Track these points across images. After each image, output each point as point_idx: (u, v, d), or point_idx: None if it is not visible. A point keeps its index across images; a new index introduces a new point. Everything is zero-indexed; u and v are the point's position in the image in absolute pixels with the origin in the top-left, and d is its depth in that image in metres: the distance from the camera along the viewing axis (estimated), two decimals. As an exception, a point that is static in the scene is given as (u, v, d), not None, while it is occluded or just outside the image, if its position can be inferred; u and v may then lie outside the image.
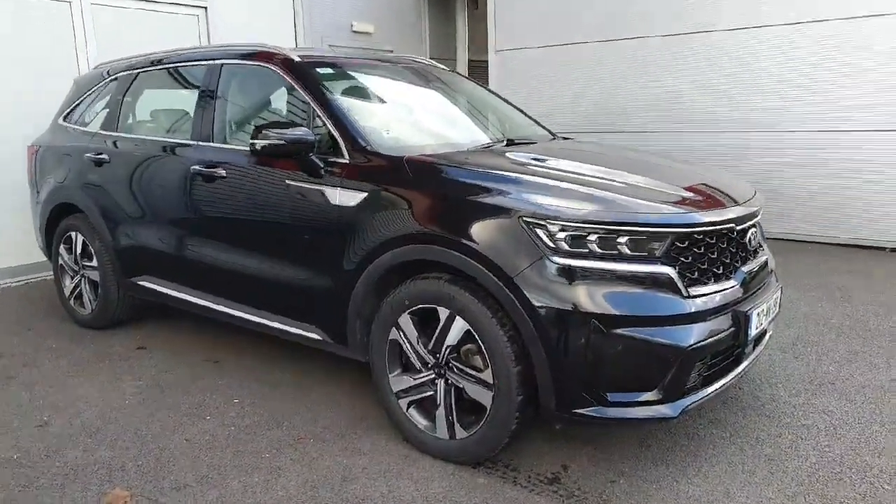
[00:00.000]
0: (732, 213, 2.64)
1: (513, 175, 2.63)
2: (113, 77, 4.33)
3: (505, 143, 3.36)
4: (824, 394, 3.27)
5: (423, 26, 10.31)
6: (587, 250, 2.35)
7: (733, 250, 2.65)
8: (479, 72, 10.14)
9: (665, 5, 7.45)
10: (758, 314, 2.65)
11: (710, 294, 2.48)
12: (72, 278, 4.47)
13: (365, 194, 2.80)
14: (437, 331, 2.61)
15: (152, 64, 4.09)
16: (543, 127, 4.12)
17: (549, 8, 8.46)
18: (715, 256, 2.56)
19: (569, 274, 2.33)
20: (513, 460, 2.70)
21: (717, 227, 2.55)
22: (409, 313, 2.69)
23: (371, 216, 2.77)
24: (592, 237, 2.35)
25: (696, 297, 2.42)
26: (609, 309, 2.31)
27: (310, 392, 3.35)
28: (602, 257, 2.35)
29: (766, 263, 2.89)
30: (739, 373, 2.71)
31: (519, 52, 8.90)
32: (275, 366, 3.68)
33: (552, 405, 2.40)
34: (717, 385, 2.57)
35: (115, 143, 4.07)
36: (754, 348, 2.88)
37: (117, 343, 4.11)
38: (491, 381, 2.48)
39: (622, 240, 2.36)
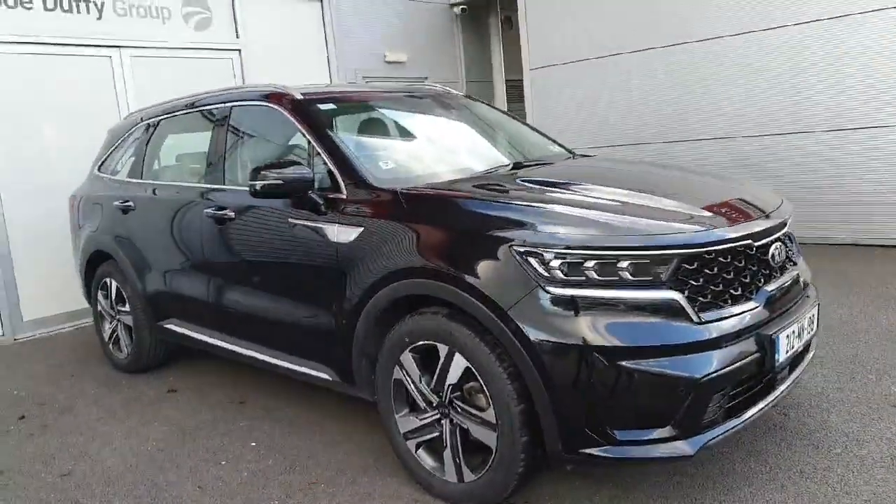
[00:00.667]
0: (749, 228, 2.43)
1: (505, 202, 2.52)
2: (138, 124, 4.46)
3: (511, 166, 3.24)
4: (884, 418, 2.97)
5: (458, 51, 10.31)
6: (585, 278, 2.20)
7: (753, 268, 2.44)
8: (517, 92, 10.05)
9: (698, 9, 7.18)
10: (787, 336, 2.42)
11: (727, 318, 2.27)
12: (109, 323, 4.58)
13: (361, 229, 2.74)
14: (438, 368, 2.50)
15: (171, 110, 4.19)
16: (561, 146, 3.98)
17: (580, 23, 8.35)
18: (731, 276, 2.35)
19: (566, 304, 2.19)
20: (527, 501, 2.54)
21: (731, 244, 2.35)
22: (410, 351, 2.59)
23: (368, 251, 2.70)
24: (590, 263, 2.20)
25: (709, 322, 2.22)
26: (611, 340, 2.14)
27: (326, 431, 3.29)
28: (602, 285, 2.19)
29: (796, 279, 2.65)
30: (773, 401, 2.48)
31: (553, 70, 8.79)
32: (295, 404, 3.63)
33: (558, 446, 2.24)
34: (744, 416, 2.35)
35: (138, 191, 4.17)
36: (791, 371, 2.64)
37: (149, 387, 4.17)
38: (494, 421, 2.35)
39: (623, 265, 2.20)
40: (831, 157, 6.50)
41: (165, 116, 4.23)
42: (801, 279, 2.71)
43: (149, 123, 4.35)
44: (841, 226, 6.50)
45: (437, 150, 3.53)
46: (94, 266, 4.60)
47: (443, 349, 2.47)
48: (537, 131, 4.12)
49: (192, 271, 3.72)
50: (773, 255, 2.51)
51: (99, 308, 4.66)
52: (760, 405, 2.42)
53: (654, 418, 2.18)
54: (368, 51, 8.98)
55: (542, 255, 2.22)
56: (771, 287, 2.46)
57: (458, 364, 2.42)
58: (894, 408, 3.06)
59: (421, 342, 2.54)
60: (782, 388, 2.55)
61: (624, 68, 7.92)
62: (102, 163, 4.77)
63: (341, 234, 2.80)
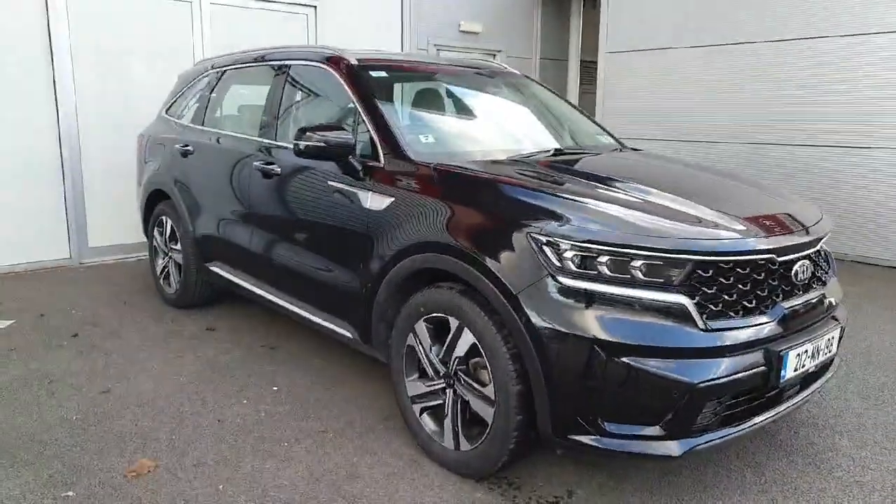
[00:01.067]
0: (773, 243, 2.40)
1: (531, 189, 2.56)
2: (205, 73, 4.66)
3: (553, 152, 3.26)
4: (870, 444, 2.93)
5: (535, 26, 10.17)
6: (597, 272, 2.24)
7: (774, 283, 2.42)
8: (590, 74, 9.89)
9: (798, 7, 6.87)
10: (797, 355, 2.41)
11: (735, 329, 2.28)
12: (162, 259, 4.87)
13: (392, 199, 2.84)
14: (448, 341, 2.60)
15: (236, 61, 4.36)
16: (612, 136, 3.96)
17: (660, 11, 8.12)
18: (747, 288, 2.35)
19: (574, 295, 2.24)
20: (519, 478, 2.64)
21: (751, 256, 2.34)
22: (424, 321, 2.70)
23: (395, 222, 2.80)
24: (603, 259, 2.24)
25: (715, 330, 2.24)
26: (613, 335, 2.19)
27: (346, 386, 3.45)
28: (613, 281, 2.23)
29: (820, 299, 2.61)
30: (775, 416, 2.48)
31: (628, 56, 8.61)
32: (322, 356, 3.82)
33: (549, 429, 2.32)
34: (741, 427, 2.36)
35: (198, 136, 4.38)
36: (802, 390, 2.63)
37: (191, 323, 4.43)
38: (493, 398, 2.44)
39: (636, 263, 2.23)
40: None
41: (230, 67, 4.41)
42: (827, 300, 2.67)
43: (215, 72, 4.54)
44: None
45: (481, 128, 3.58)
46: (153, 203, 4.87)
47: (453, 323, 2.56)
48: (591, 119, 4.10)
49: (237, 219, 3.91)
50: (796, 273, 2.48)
51: (154, 244, 4.95)
52: (761, 418, 2.43)
53: (645, 415, 2.23)
54: (443, 19, 8.97)
55: (558, 245, 2.27)
56: (788, 304, 2.44)
57: (466, 339, 2.52)
58: (913, 440, 3.00)
59: (434, 314, 2.64)
60: (788, 404, 2.54)
61: (702, 61, 7.69)
62: (170, 106, 5.01)
63: (374, 201, 2.91)
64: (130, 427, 3.00)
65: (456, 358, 2.58)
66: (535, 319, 2.27)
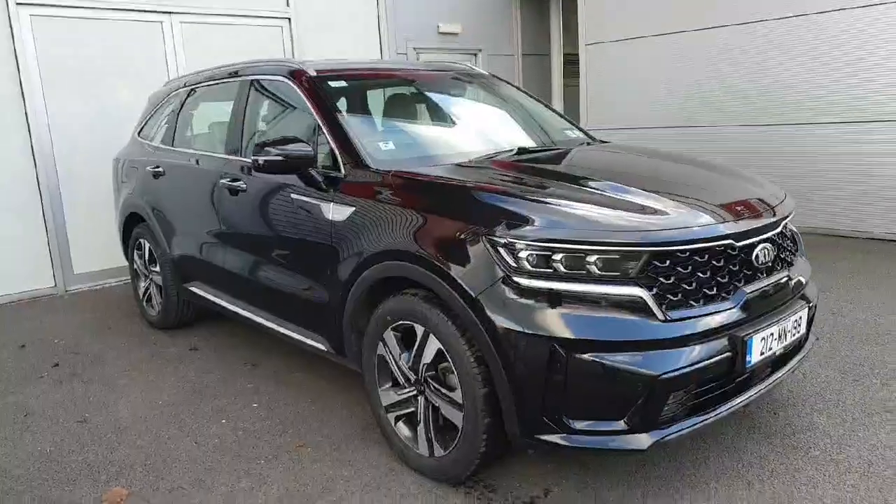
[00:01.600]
0: (731, 228, 2.39)
1: (485, 191, 2.55)
2: (173, 93, 4.66)
3: (516, 151, 3.25)
4: (874, 425, 2.91)
5: (515, 23, 10.13)
6: (553, 270, 2.23)
7: (735, 268, 2.41)
8: (574, 67, 9.86)
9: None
10: (763, 339, 2.39)
11: (696, 318, 2.27)
12: (143, 282, 4.87)
13: (353, 209, 2.83)
14: (415, 348, 2.59)
15: (202, 80, 4.35)
16: (583, 131, 3.93)
17: (638, -1, 8.11)
18: (707, 276, 2.34)
19: (531, 294, 2.22)
20: (495, 481, 2.62)
21: (708, 244, 2.33)
22: (392, 329, 2.69)
23: (357, 231, 2.79)
24: (558, 256, 2.23)
25: (675, 320, 2.22)
26: (572, 332, 2.18)
27: (325, 399, 3.44)
28: (569, 278, 2.22)
29: (785, 281, 2.60)
30: (745, 401, 2.47)
31: (609, 46, 8.60)
32: (304, 371, 3.81)
33: (516, 430, 2.31)
34: (710, 415, 2.35)
35: (167, 157, 4.37)
36: (773, 373, 2.61)
37: (174, 344, 4.43)
38: (461, 402, 2.43)
39: (591, 259, 2.22)
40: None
41: (196, 85, 4.40)
42: (793, 280, 2.66)
43: (182, 91, 4.54)
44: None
45: (443, 132, 3.57)
46: (131, 227, 4.87)
47: (419, 330, 2.55)
48: (561, 115, 4.08)
49: (211, 238, 3.90)
50: (757, 257, 2.47)
51: (135, 266, 4.94)
52: (731, 404, 2.42)
53: (610, 411, 2.22)
54: (422, 21, 8.91)
55: (513, 245, 2.26)
56: (751, 288, 2.43)
57: (433, 345, 2.51)
58: (889, 413, 2.99)
59: (401, 322, 2.63)
60: (759, 388, 2.53)
61: (681, 48, 7.70)
62: (142, 128, 5.01)
63: (336, 212, 2.90)
64: (105, 455, 2.99)
65: (424, 364, 2.57)
66: (495, 321, 2.26)
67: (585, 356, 2.17)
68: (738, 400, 2.44)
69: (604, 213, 2.34)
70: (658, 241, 2.25)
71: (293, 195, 3.14)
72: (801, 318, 2.62)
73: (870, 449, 2.71)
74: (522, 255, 2.25)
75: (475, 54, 9.45)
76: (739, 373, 2.36)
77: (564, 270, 2.22)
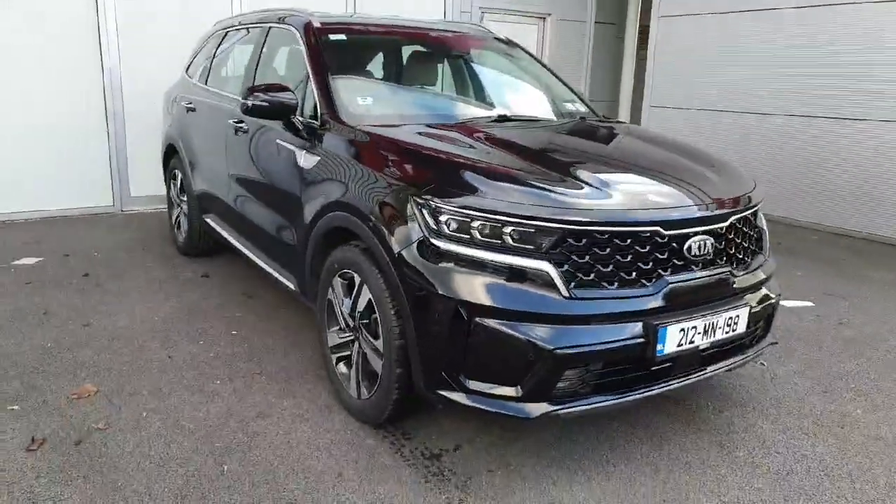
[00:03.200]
0: (660, 216, 2.37)
1: (423, 154, 2.62)
2: (213, 34, 4.91)
3: (495, 118, 3.27)
4: (818, 437, 2.83)
5: (590, -15, 9.83)
6: (469, 237, 2.30)
7: (661, 256, 2.39)
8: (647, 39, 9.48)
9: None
10: (682, 330, 2.38)
11: (605, 299, 2.29)
12: (175, 209, 5.24)
13: (318, 158, 2.97)
14: (353, 296, 2.74)
15: (235, 24, 4.56)
16: (587, 105, 3.88)
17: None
18: (627, 260, 2.34)
19: (446, 257, 2.31)
20: (415, 429, 2.76)
21: (631, 228, 2.32)
22: (339, 276, 2.84)
23: (319, 180, 2.94)
24: (476, 224, 2.29)
25: (581, 299, 2.25)
26: (476, 297, 2.25)
27: (299, 335, 3.66)
28: (483, 245, 2.28)
29: (723, 278, 2.53)
30: (659, 390, 2.46)
31: (684, 20, 8.20)
32: (292, 307, 4.04)
33: (421, 383, 2.42)
34: (615, 398, 2.37)
35: (199, 95, 4.64)
36: (702, 367, 2.59)
37: (191, 269, 4.78)
38: (382, 351, 2.57)
39: (507, 230, 2.27)
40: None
41: (230, 28, 4.63)
42: (738, 278, 2.59)
43: (220, 33, 4.78)
44: None
45: (430, 93, 3.63)
46: (170, 157, 5.23)
47: (357, 279, 2.69)
48: (570, 88, 4.02)
49: (220, 173, 4.16)
50: (689, 248, 2.43)
51: (170, 195, 5.32)
52: (642, 392, 2.43)
53: (504, 376, 2.29)
54: (490, -20, 8.84)
55: (436, 208, 2.34)
56: (676, 278, 2.40)
57: (365, 295, 2.65)
58: (841, 429, 2.89)
59: (345, 270, 2.78)
60: (682, 380, 2.52)
61: (760, 27, 7.24)
62: (189, 66, 5.30)
63: (305, 160, 3.05)
64: (92, 356, 3.34)
65: (358, 312, 2.71)
66: (410, 277, 2.36)
67: (486, 321, 2.24)
68: (653, 388, 2.45)
69: (528, 188, 2.37)
70: (573, 219, 2.27)
71: (277, 140, 3.31)
72: (737, 317, 2.56)
73: (798, 459, 2.66)
74: (443, 218, 2.33)
75: (543, 18, 9.26)
76: (650, 360, 2.37)
77: (481, 238, 2.29)
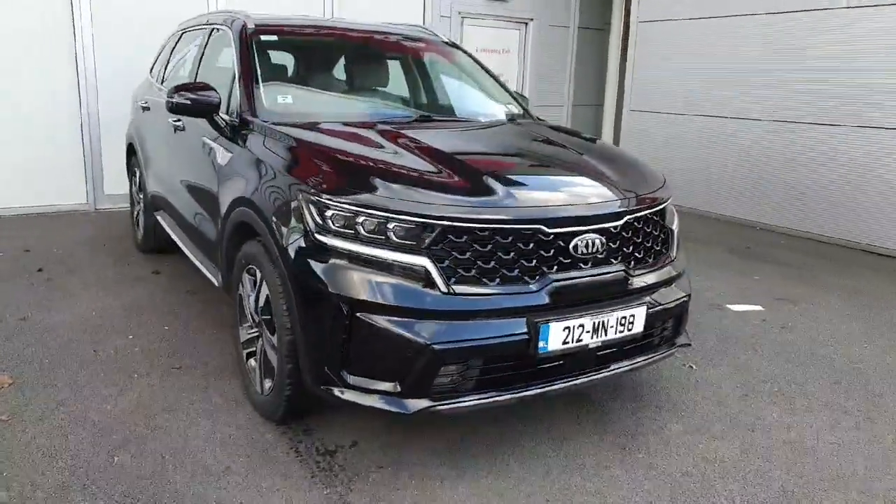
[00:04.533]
0: (543, 213, 2.37)
1: (317, 151, 2.64)
2: (173, 35, 4.97)
3: (416, 118, 3.29)
4: (724, 440, 2.81)
5: (574, -8, 9.81)
6: (353, 232, 2.31)
7: (546, 254, 2.38)
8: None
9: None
10: (567, 328, 2.37)
11: (484, 296, 2.29)
12: (135, 206, 5.29)
13: (231, 155, 3.00)
14: (256, 291, 2.75)
15: (188, 26, 4.62)
16: (522, 106, 3.87)
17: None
18: (510, 257, 2.34)
19: (330, 253, 2.32)
20: (318, 425, 2.77)
21: (512, 226, 2.32)
22: (246, 272, 2.86)
23: (231, 176, 2.97)
24: (360, 220, 2.30)
25: (459, 294, 2.26)
26: (356, 293, 2.26)
27: (229, 331, 3.67)
28: (367, 242, 2.29)
29: (616, 277, 2.52)
30: (549, 389, 2.46)
31: (663, 25, 8.18)
32: (228, 303, 4.05)
33: (308, 378, 2.43)
34: (499, 394, 2.37)
35: (153, 94, 4.70)
36: (599, 366, 2.58)
37: (143, 266, 4.82)
38: (276, 346, 2.58)
39: (390, 227, 2.28)
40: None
41: (186, 30, 4.68)
42: (633, 277, 2.57)
43: (177, 33, 4.84)
44: None
45: (354, 93, 3.65)
46: (130, 155, 5.29)
47: (258, 275, 2.71)
48: (507, 90, 4.01)
49: (164, 170, 4.21)
50: (576, 246, 2.42)
51: (131, 192, 5.38)
52: (530, 389, 2.42)
53: (383, 372, 2.29)
54: (469, -15, 8.85)
55: (322, 204, 2.35)
56: (561, 276, 2.39)
57: (265, 291, 2.66)
58: (751, 432, 2.87)
59: (250, 265, 2.80)
60: (576, 380, 2.51)
61: (733, 32, 7.20)
62: (153, 65, 5.37)
63: (221, 156, 3.09)
64: (18, 349, 3.38)
65: (260, 308, 2.73)
66: (296, 272, 2.38)
67: (365, 317, 2.25)
68: (543, 386, 2.44)
69: (413, 185, 2.39)
70: (452, 216, 2.27)
71: (203, 137, 3.35)
72: (633, 316, 2.54)
73: (697, 462, 2.63)
74: (329, 214, 2.34)
75: (525, 23, 9.26)
76: (533, 358, 2.36)
77: (365, 234, 2.30)
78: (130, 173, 5.32)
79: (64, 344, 3.47)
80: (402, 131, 3.02)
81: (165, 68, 4.80)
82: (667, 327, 2.80)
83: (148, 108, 4.69)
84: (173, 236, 4.21)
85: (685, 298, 2.83)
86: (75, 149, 6.64)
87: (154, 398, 2.96)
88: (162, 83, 4.75)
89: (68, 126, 6.56)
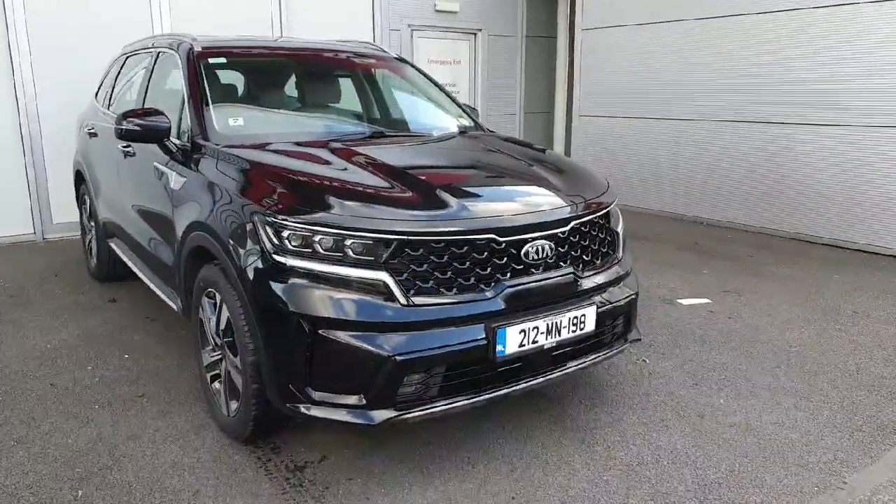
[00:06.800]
0: (494, 223, 2.47)
1: (270, 172, 2.70)
2: (118, 58, 4.93)
3: (368, 135, 3.36)
4: (675, 428, 2.96)
5: (520, 2, 10.03)
6: (311, 251, 2.36)
7: (499, 262, 2.48)
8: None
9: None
10: (522, 331, 2.47)
11: (443, 305, 2.37)
12: (87, 235, 5.21)
13: (185, 179, 3.02)
14: (216, 314, 2.78)
15: (133, 49, 4.59)
16: (473, 119, 3.98)
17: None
18: (465, 267, 2.43)
19: (289, 272, 2.37)
20: (285, 443, 2.80)
21: (466, 237, 2.41)
22: (206, 295, 2.88)
23: (185, 200, 2.99)
24: (317, 238, 2.36)
25: (418, 305, 2.34)
26: (317, 310, 2.32)
27: (193, 357, 3.67)
28: (325, 259, 2.35)
29: (566, 280, 2.63)
30: (511, 391, 2.56)
31: (606, 32, 8.45)
32: (188, 327, 4.04)
33: (274, 397, 2.48)
34: (463, 400, 2.46)
35: (99, 119, 4.66)
36: (554, 366, 2.69)
37: (99, 295, 4.76)
38: (240, 367, 2.62)
39: (347, 243, 2.34)
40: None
41: (131, 54, 4.65)
42: (582, 279, 2.69)
43: (122, 58, 4.81)
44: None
45: (306, 112, 3.71)
46: (80, 183, 5.21)
47: (218, 298, 2.74)
48: (456, 102, 4.12)
49: (116, 197, 4.18)
50: (527, 253, 2.53)
51: (82, 220, 5.30)
52: (491, 392, 2.51)
53: (347, 386, 2.36)
54: (418, -2, 8.96)
55: (277, 225, 2.40)
56: (515, 282, 2.50)
57: (225, 313, 2.69)
58: (700, 418, 3.02)
59: (209, 289, 2.82)
60: (534, 380, 2.62)
61: (681, 37, 7.49)
62: (98, 90, 5.31)
63: (175, 181, 3.10)
64: (-29, 387, 3.33)
65: (221, 330, 2.76)
66: (256, 293, 2.42)
67: (327, 333, 2.31)
68: (502, 389, 2.54)
69: (367, 201, 2.46)
70: (408, 230, 2.35)
71: (154, 162, 3.35)
72: (584, 316, 2.66)
73: (651, 450, 2.76)
74: (285, 234, 2.39)
75: (474, 34, 9.42)
76: (493, 362, 2.45)
77: (323, 252, 2.36)
78: (80, 201, 5.24)
79: (18, 379, 3.41)
80: (356, 148, 3.08)
81: (112, 92, 4.76)
82: (617, 324, 2.94)
83: (95, 134, 4.65)
84: (129, 263, 4.18)
85: (633, 296, 2.97)
86: (18, 177, 6.49)
87: (117, 428, 2.95)
88: (108, 108, 4.71)
89: (9, 153, 6.39)
